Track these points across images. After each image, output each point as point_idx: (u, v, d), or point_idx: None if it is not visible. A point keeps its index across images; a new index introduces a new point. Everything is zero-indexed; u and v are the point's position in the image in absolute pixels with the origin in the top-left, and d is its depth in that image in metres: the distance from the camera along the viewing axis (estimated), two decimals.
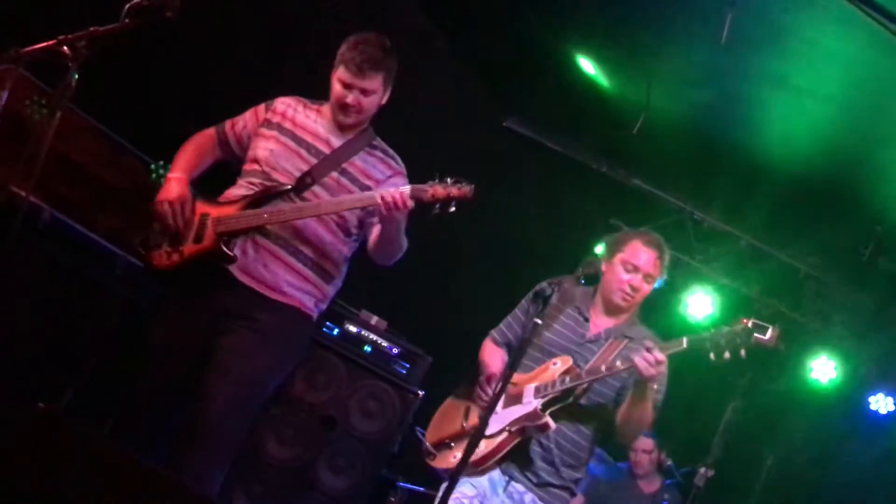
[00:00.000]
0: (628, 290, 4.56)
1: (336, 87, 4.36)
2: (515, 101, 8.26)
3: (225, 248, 4.27)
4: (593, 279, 4.60)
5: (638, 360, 4.23)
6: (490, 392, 4.50)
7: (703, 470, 6.89)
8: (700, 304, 8.02)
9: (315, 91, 4.54)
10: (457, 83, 7.80)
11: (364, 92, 4.34)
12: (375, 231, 4.35)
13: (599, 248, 7.94)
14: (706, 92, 6.93)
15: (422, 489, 6.83)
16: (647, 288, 4.58)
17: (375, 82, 4.34)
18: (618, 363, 4.35)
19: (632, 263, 4.57)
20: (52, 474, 3.19)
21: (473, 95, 8.02)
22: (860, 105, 6.15)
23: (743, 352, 4.30)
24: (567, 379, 4.41)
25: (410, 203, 4.16)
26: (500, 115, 8.31)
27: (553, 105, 8.01)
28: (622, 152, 8.03)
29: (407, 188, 4.17)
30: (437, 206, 4.17)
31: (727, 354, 4.28)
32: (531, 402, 4.45)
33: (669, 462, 6.87)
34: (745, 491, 7.15)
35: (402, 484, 6.90)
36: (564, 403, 4.46)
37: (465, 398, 4.72)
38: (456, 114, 7.85)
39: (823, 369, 7.81)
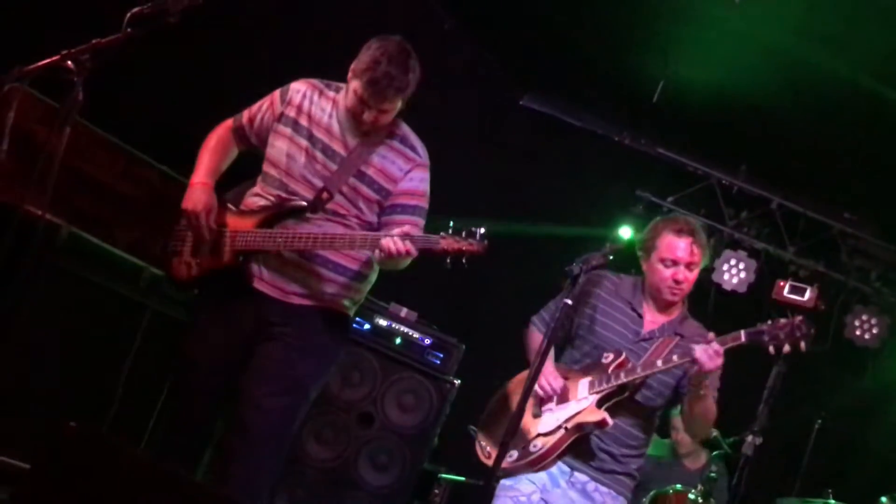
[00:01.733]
0: (673, 284, 4.54)
1: (352, 98, 4.19)
2: (531, 79, 8.22)
3: (242, 266, 4.25)
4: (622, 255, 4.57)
5: (699, 353, 4.21)
6: (550, 388, 4.49)
7: (750, 438, 6.84)
8: (734, 272, 7.95)
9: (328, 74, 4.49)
10: (470, 65, 7.77)
11: (381, 112, 4.19)
12: (377, 253, 4.14)
13: (626, 231, 7.91)
14: (724, 54, 6.87)
15: (467, 480, 6.84)
16: (692, 276, 4.56)
17: (395, 104, 4.21)
18: (674, 357, 4.34)
19: (670, 259, 4.54)
20: (94, 494, 3.21)
21: (487, 76, 7.99)
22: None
23: (803, 345, 4.25)
24: (622, 374, 4.39)
25: (415, 253, 4.06)
26: (515, 93, 8.26)
27: (569, 80, 7.97)
28: (643, 122, 7.98)
29: (416, 240, 4.04)
30: (448, 258, 4.05)
31: (787, 348, 4.25)
32: (587, 398, 4.43)
33: (715, 433, 6.83)
34: (796, 456, 7.11)
35: (445, 475, 6.92)
36: (620, 398, 4.42)
37: (518, 393, 4.67)
38: (471, 96, 7.82)
39: (865, 326, 7.74)
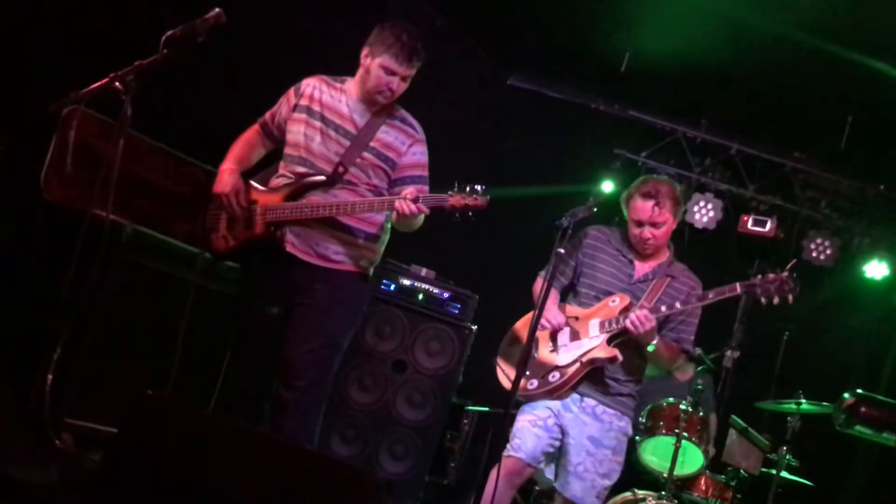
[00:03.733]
0: (641, 241, 4.54)
1: (377, 73, 4.23)
2: (515, 61, 8.17)
3: (274, 235, 4.27)
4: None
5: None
6: (554, 323, 4.52)
7: (729, 353, 6.83)
8: (703, 211, 7.93)
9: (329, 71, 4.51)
10: (461, 55, 7.72)
11: (404, 79, 4.26)
12: (394, 215, 4.22)
13: (607, 185, 7.88)
14: (680, 25, 6.83)
15: (490, 409, 6.87)
16: (659, 232, 4.54)
17: (414, 70, 4.27)
18: (674, 305, 4.38)
19: (636, 219, 4.54)
20: (174, 451, 3.23)
21: (476, 63, 7.94)
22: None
23: (791, 297, 4.24)
24: (635, 309, 4.39)
25: (426, 211, 4.11)
26: (503, 75, 8.22)
27: (548, 59, 7.92)
28: (615, 90, 7.93)
29: (427, 199, 4.10)
30: (456, 214, 4.09)
31: (776, 300, 4.24)
32: (598, 336, 4.43)
33: (699, 351, 6.82)
34: (770, 365, 7.12)
35: (470, 407, 6.95)
36: (627, 337, 4.44)
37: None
38: (464, 80, 7.78)
39: (820, 249, 7.71)
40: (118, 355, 4.81)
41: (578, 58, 7.70)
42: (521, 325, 4.76)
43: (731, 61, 6.96)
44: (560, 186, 7.63)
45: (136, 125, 4.10)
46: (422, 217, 4.23)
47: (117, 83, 3.71)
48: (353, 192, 4.30)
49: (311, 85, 4.43)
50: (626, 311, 4.41)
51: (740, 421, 6.40)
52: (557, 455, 4.53)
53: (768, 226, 7.79)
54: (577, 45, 7.54)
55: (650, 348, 4.39)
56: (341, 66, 4.49)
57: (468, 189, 4.07)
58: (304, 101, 4.40)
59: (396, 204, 4.09)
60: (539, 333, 4.59)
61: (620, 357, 4.36)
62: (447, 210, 4.09)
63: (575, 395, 4.48)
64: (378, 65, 4.23)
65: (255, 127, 4.58)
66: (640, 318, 4.26)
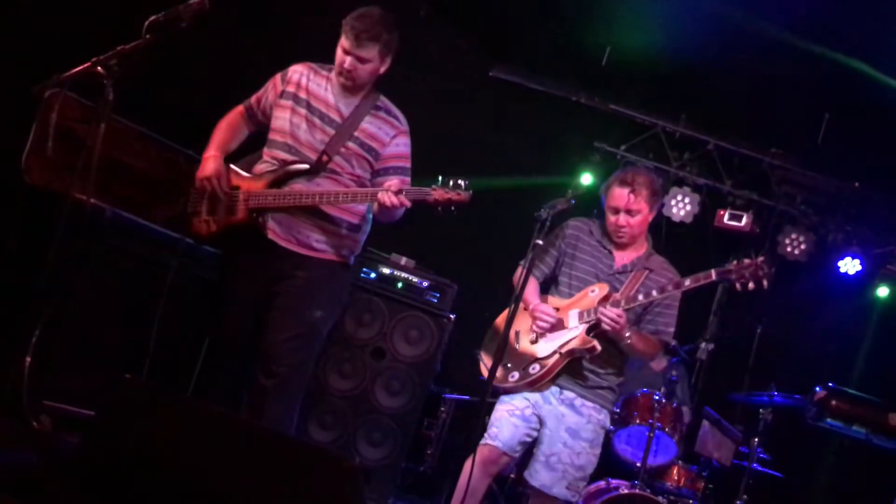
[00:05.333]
0: (617, 228, 4.53)
1: (338, 52, 4.27)
2: (497, 53, 8.15)
3: (256, 222, 4.25)
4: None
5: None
6: (548, 320, 4.47)
7: (704, 345, 6.88)
8: (681, 205, 7.95)
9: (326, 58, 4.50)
10: (444, 46, 7.70)
11: (360, 59, 4.23)
12: (375, 206, 4.23)
13: (587, 178, 7.89)
14: (659, 20, 6.84)
15: (467, 398, 6.88)
16: (634, 221, 4.51)
17: (371, 52, 4.22)
18: (653, 293, 4.37)
19: (612, 206, 4.53)
20: (151, 435, 3.21)
21: (458, 54, 7.92)
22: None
23: (765, 283, 4.24)
24: (609, 304, 4.37)
25: (409, 204, 4.11)
26: (485, 66, 8.20)
27: (530, 52, 7.91)
28: (596, 83, 7.94)
29: (410, 192, 4.09)
30: (438, 207, 4.09)
31: (751, 285, 4.24)
32: (577, 327, 4.42)
33: (674, 342, 6.85)
34: (743, 358, 7.14)
35: (448, 395, 6.95)
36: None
37: (514, 323, 4.66)
38: (447, 72, 7.76)
39: (794, 243, 7.75)
40: (97, 338, 4.77)
41: (560, 51, 7.71)
42: (504, 319, 4.74)
43: (711, 58, 6.97)
44: (540, 178, 7.64)
45: (118, 109, 4.07)
46: (403, 209, 4.23)
47: (99, 67, 3.70)
48: (336, 182, 4.28)
49: (298, 72, 4.42)
50: (605, 300, 4.40)
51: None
52: (531, 444, 4.53)
53: (744, 220, 7.82)
54: (560, 38, 7.55)
55: (625, 342, 4.39)
56: (328, 53, 4.47)
57: (451, 183, 4.05)
58: (290, 88, 4.39)
59: (380, 196, 4.08)
60: (521, 326, 4.58)
61: (599, 348, 4.35)
62: (430, 204, 4.08)
63: (555, 388, 4.47)
64: (339, 45, 4.27)
65: (240, 108, 4.55)
66: (611, 316, 4.26)
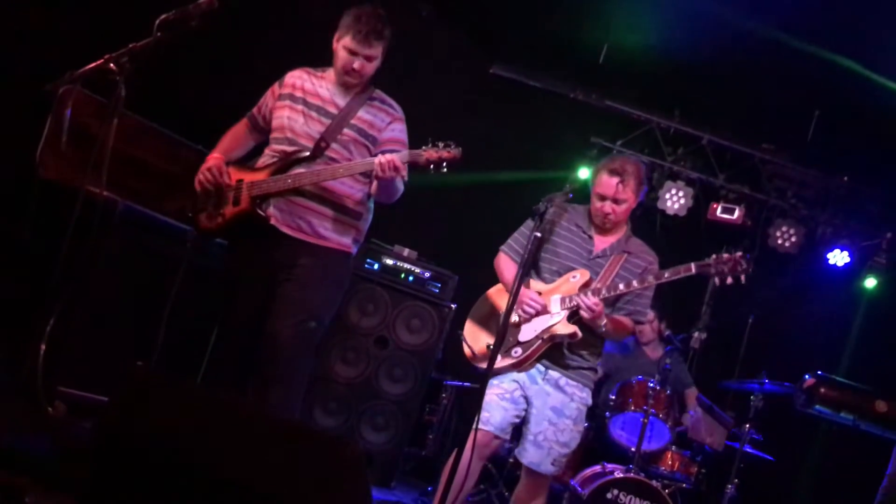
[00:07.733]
0: (603, 216, 4.52)
1: (342, 54, 4.29)
2: (498, 50, 8.15)
3: (259, 209, 4.26)
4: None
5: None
6: (535, 306, 4.46)
7: (696, 334, 6.88)
8: (675, 199, 7.95)
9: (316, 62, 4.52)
10: (445, 43, 7.69)
11: (368, 58, 4.29)
12: (375, 181, 4.31)
13: (583, 172, 7.89)
14: (655, 19, 6.84)
15: (467, 384, 6.90)
16: (619, 209, 4.50)
17: (377, 50, 4.29)
18: (631, 283, 4.37)
19: (599, 193, 4.52)
20: (162, 420, 3.22)
21: (460, 51, 7.92)
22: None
23: (744, 278, 4.24)
24: (589, 292, 4.38)
25: (403, 170, 4.18)
26: (485, 63, 8.19)
27: (529, 50, 7.90)
28: (593, 80, 7.93)
29: (403, 154, 4.16)
30: (431, 167, 4.16)
31: (730, 280, 4.25)
32: (559, 313, 4.42)
33: (668, 332, 6.86)
34: (735, 346, 7.15)
35: (449, 382, 6.97)
36: None
37: (496, 308, 4.67)
38: (448, 69, 7.75)
39: (785, 236, 7.75)
40: (110, 326, 4.79)
41: (559, 49, 7.70)
42: (490, 296, 4.74)
43: (704, 56, 6.98)
44: (538, 172, 7.64)
45: (130, 105, 4.07)
46: (401, 185, 4.33)
47: (112, 64, 3.70)
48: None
49: (294, 76, 4.48)
50: (586, 286, 4.41)
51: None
52: (520, 424, 4.55)
53: (736, 213, 7.83)
54: (558, 36, 7.55)
55: (600, 330, 4.40)
56: (330, 50, 4.48)
57: (441, 144, 4.15)
58: (286, 91, 4.44)
59: (376, 161, 4.14)
60: (503, 306, 4.58)
61: (580, 334, 4.36)
62: (423, 165, 4.17)
63: (540, 367, 4.48)
64: (342, 46, 4.29)
65: (244, 121, 4.60)
66: (589, 304, 4.27)
